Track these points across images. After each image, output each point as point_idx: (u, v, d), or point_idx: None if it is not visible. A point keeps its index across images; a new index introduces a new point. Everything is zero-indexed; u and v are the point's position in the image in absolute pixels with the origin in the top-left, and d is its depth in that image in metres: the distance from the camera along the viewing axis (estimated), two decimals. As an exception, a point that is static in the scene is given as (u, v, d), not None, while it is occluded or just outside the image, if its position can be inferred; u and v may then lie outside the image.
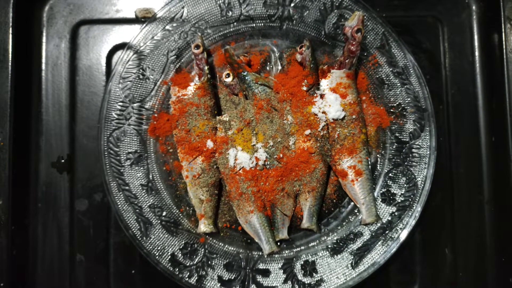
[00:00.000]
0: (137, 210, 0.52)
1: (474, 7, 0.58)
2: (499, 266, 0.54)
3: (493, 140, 0.56)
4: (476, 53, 0.57)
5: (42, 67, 0.56)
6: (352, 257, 0.52)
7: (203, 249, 0.52)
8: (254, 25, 0.55)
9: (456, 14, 0.58)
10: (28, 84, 0.55)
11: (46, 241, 0.54)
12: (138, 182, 0.52)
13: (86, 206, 0.54)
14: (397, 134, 0.54)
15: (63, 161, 0.55)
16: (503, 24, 0.54)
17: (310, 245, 0.53)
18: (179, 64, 0.54)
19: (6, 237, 0.50)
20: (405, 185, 0.53)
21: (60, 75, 0.56)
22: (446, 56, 0.57)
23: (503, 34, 0.53)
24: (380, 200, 0.53)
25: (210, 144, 0.51)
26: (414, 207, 0.52)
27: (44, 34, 0.56)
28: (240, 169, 0.50)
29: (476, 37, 0.58)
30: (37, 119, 0.55)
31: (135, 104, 0.53)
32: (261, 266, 0.52)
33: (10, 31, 0.52)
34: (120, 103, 0.52)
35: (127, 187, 0.52)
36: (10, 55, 0.52)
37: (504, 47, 0.53)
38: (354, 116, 0.52)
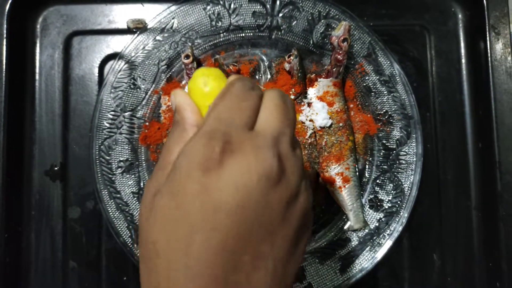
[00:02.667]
0: (128, 218, 0.52)
1: (460, 16, 0.59)
2: (487, 271, 0.55)
3: (480, 147, 0.56)
4: (463, 61, 0.58)
5: (36, 77, 0.57)
6: (340, 263, 0.52)
7: (193, 256, 0.53)
8: (243, 34, 0.56)
9: (442, 23, 0.59)
10: (22, 93, 0.56)
11: (39, 249, 0.55)
12: (129, 190, 0.53)
13: (78, 214, 0.55)
14: (384, 141, 0.54)
15: (56, 169, 0.56)
16: (488, 33, 0.55)
17: (299, 251, 0.53)
18: (170, 73, 0.55)
19: None
20: (392, 191, 0.53)
21: (53, 85, 0.57)
22: (433, 64, 0.58)
23: (488, 42, 0.54)
24: (368, 206, 0.54)
25: (199, 152, 0.52)
26: (401, 213, 0.53)
27: (38, 44, 0.57)
28: (229, 177, 0.51)
29: (462, 45, 0.58)
30: (30, 128, 0.56)
31: (126, 113, 0.54)
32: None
33: (4, 42, 0.53)
34: (112, 112, 0.53)
35: (118, 195, 0.53)
36: (4, 65, 0.53)
37: (489, 55, 0.54)
38: (341, 124, 0.53)
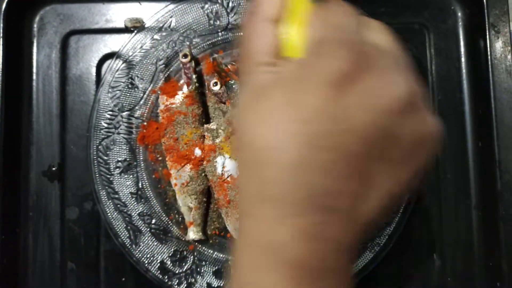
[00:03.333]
0: (127, 218, 0.52)
1: (459, 14, 0.58)
2: (487, 270, 0.54)
3: (480, 145, 0.56)
4: (462, 59, 0.58)
5: (32, 76, 0.56)
6: (340, 263, 0.52)
7: (192, 257, 0.52)
8: (241, 33, 0.55)
9: (442, 21, 0.58)
10: (19, 93, 0.56)
11: (37, 250, 0.54)
12: (127, 190, 0.53)
13: (76, 215, 0.55)
14: (384, 141, 0.54)
15: (53, 169, 0.55)
16: (487, 31, 0.54)
17: (298, 251, 0.53)
18: (168, 73, 0.54)
19: (-3, 246, 0.51)
20: (392, 191, 0.53)
21: (50, 85, 0.56)
22: (432, 62, 0.58)
23: (488, 40, 0.54)
24: (368, 206, 0.53)
25: (198, 152, 0.51)
26: (401, 213, 0.52)
27: (35, 44, 0.57)
28: (228, 177, 0.51)
29: (462, 43, 0.58)
30: (27, 128, 0.56)
31: (124, 113, 0.53)
32: (250, 272, 0.52)
33: (1, 42, 0.53)
34: (110, 112, 0.53)
35: (116, 196, 0.52)
36: (0, 65, 0.52)
37: (489, 53, 0.54)
38: (340, 123, 0.52)
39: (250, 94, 0.24)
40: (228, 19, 0.55)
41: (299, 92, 0.22)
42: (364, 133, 0.22)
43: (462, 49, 0.58)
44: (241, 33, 0.27)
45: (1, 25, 0.53)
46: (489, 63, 0.54)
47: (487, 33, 0.54)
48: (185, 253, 0.52)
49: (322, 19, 0.24)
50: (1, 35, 0.53)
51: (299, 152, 0.21)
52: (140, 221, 0.52)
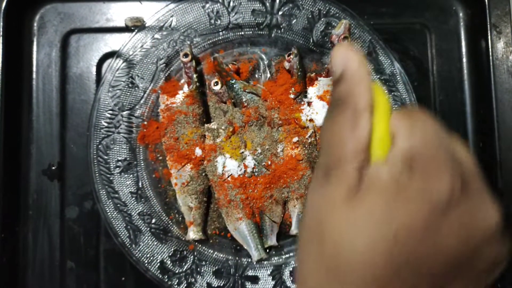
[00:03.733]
0: (127, 218, 0.52)
1: (461, 14, 0.58)
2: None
3: (481, 146, 0.56)
4: (464, 60, 0.58)
5: (33, 75, 0.56)
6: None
7: (192, 256, 0.52)
8: (242, 33, 0.55)
9: (443, 21, 0.58)
10: (19, 92, 0.56)
11: (37, 248, 0.54)
12: (127, 189, 0.53)
13: (76, 214, 0.55)
14: (384, 141, 0.54)
15: (53, 168, 0.55)
16: (489, 31, 0.54)
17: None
18: (169, 72, 0.54)
19: (-3, 244, 0.51)
20: (393, 191, 0.53)
21: (50, 84, 0.56)
22: (434, 62, 0.58)
23: (490, 41, 0.54)
24: (368, 206, 0.53)
25: (198, 151, 0.51)
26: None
27: (35, 43, 0.57)
28: (228, 177, 0.51)
29: (463, 43, 0.58)
30: (28, 128, 0.55)
31: (124, 112, 0.53)
32: (250, 273, 0.52)
33: (1, 40, 0.53)
34: (110, 111, 0.53)
35: (116, 195, 0.52)
36: (1, 64, 0.52)
37: (490, 53, 0.54)
38: (341, 123, 0.52)
39: (338, 193, 0.22)
40: (229, 18, 0.54)
41: (397, 209, 0.21)
42: (450, 258, 0.21)
43: (464, 50, 0.58)
44: (326, 122, 0.24)
45: (1, 23, 0.53)
46: (491, 63, 0.54)
47: (489, 34, 0.54)
48: (185, 252, 0.52)
49: (409, 126, 0.22)
50: (1, 34, 0.53)
51: (385, 270, 0.21)
52: (140, 221, 0.52)
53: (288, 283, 0.52)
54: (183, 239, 0.52)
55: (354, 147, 0.22)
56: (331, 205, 0.22)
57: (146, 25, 0.54)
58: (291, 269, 0.52)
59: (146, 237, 0.52)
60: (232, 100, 0.54)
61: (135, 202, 0.52)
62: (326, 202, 0.22)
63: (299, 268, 0.24)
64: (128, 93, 0.53)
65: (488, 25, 0.54)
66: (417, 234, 0.21)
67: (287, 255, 0.53)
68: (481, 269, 0.23)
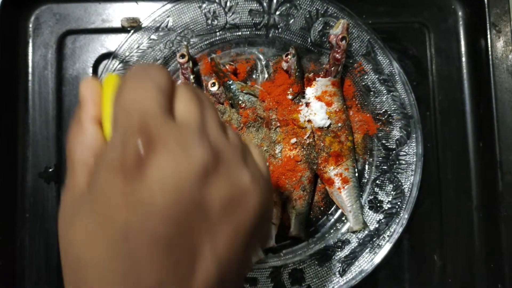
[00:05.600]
0: (124, 220, 0.51)
1: (460, 13, 0.58)
2: (488, 272, 0.54)
3: (481, 146, 0.56)
4: (463, 59, 0.57)
5: (28, 77, 0.56)
6: (340, 265, 0.51)
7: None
8: (240, 33, 0.55)
9: (442, 20, 0.58)
10: (15, 94, 0.55)
11: (34, 251, 0.54)
12: (124, 192, 0.52)
13: (73, 216, 0.54)
14: (383, 141, 0.54)
15: (50, 171, 0.55)
16: (488, 30, 0.54)
17: (297, 253, 0.53)
18: (165, 73, 0.54)
19: (-7, 248, 0.50)
20: (392, 192, 0.53)
21: (47, 86, 0.56)
22: (433, 62, 0.57)
23: (489, 40, 0.54)
24: (368, 207, 0.53)
25: (195, 153, 0.51)
26: (401, 214, 0.52)
27: (30, 44, 0.56)
28: (226, 178, 0.50)
29: (462, 43, 0.58)
30: (24, 130, 0.55)
31: (121, 114, 0.53)
32: (249, 275, 0.52)
33: (-4, 42, 0.52)
34: (106, 113, 0.52)
35: (113, 197, 0.52)
36: (-4, 66, 0.52)
37: (490, 53, 0.53)
38: (340, 124, 0.52)
39: (64, 200, 0.25)
40: (226, 18, 0.54)
41: (93, 193, 0.23)
42: (166, 213, 0.21)
43: (463, 49, 0.57)
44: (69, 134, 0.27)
45: (-4, 25, 0.52)
46: (490, 62, 0.53)
47: (488, 33, 0.54)
48: (183, 255, 0.52)
49: (120, 104, 0.24)
50: (-4, 35, 0.52)
51: (107, 250, 0.22)
52: (138, 223, 0.52)
53: (287, 284, 0.51)
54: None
55: (80, 152, 0.25)
56: (66, 210, 0.25)
57: (143, 25, 0.53)
58: (290, 270, 0.52)
59: (144, 240, 0.51)
60: (230, 101, 0.53)
61: (133, 205, 0.52)
62: (62, 221, 0.25)
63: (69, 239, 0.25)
64: (125, 95, 0.53)
65: (488, 24, 0.53)
66: (118, 205, 0.22)
67: (286, 257, 0.52)
68: (217, 211, 0.23)
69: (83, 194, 0.24)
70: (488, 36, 0.53)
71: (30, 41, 0.56)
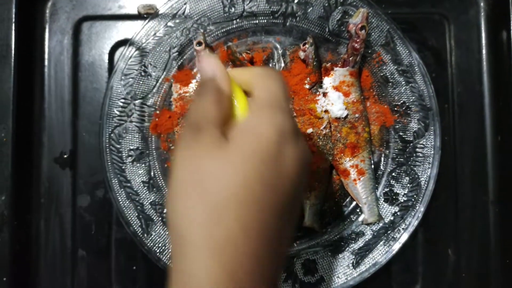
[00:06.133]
0: (139, 207, 0.52)
1: (482, 4, 0.57)
2: (503, 267, 0.53)
3: (499, 140, 0.55)
4: (483, 51, 0.56)
5: (44, 63, 0.56)
6: (354, 257, 0.51)
7: (203, 247, 0.52)
8: (257, 21, 0.54)
9: (463, 11, 0.57)
10: (31, 80, 0.55)
11: (49, 236, 0.54)
12: (139, 179, 0.52)
13: (88, 202, 0.55)
14: (401, 133, 0.53)
15: (65, 156, 0.55)
16: (511, 22, 0.52)
17: (311, 244, 0.52)
18: (181, 61, 0.53)
19: (9, 232, 0.51)
20: (408, 185, 0.52)
21: (62, 71, 0.56)
22: (452, 53, 0.56)
23: (511, 31, 0.52)
24: (383, 199, 0.52)
25: (211, 141, 0.50)
26: (417, 207, 0.51)
27: (47, 30, 0.56)
28: (241, 167, 0.50)
29: (483, 34, 0.56)
30: (39, 115, 0.55)
31: (137, 101, 0.53)
32: (262, 264, 0.52)
33: (13, 27, 0.52)
34: (122, 100, 0.52)
35: (128, 184, 0.52)
36: (12, 51, 0.52)
37: (511, 45, 0.52)
38: (357, 115, 0.51)
39: (211, 142, 0.28)
40: (244, 6, 0.53)
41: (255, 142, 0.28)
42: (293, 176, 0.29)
43: (484, 41, 0.56)
44: (198, 97, 0.31)
45: (13, 10, 0.52)
46: (511, 55, 0.52)
47: (511, 24, 0.52)
48: (196, 243, 0.52)
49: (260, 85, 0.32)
50: (13, 20, 0.52)
51: (262, 189, 0.27)
52: (152, 210, 0.52)
53: (300, 275, 0.51)
54: (195, 229, 0.52)
55: (219, 113, 0.29)
56: (206, 151, 0.27)
57: (159, 12, 0.53)
58: (302, 261, 0.52)
59: (158, 227, 0.51)
60: (246, 90, 0.53)
61: (147, 192, 0.52)
62: (200, 151, 0.27)
63: (173, 216, 0.28)
64: (141, 82, 0.53)
65: (511, 15, 0.52)
66: (271, 160, 0.27)
67: (299, 247, 0.52)
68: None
69: (227, 143, 0.28)
70: (511, 28, 0.52)
71: (47, 26, 0.56)
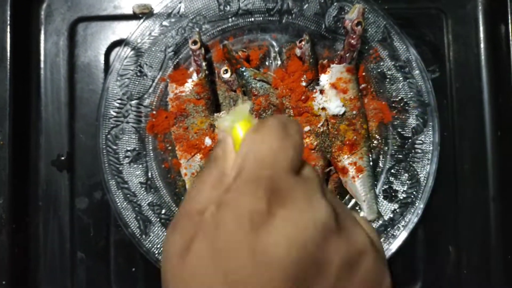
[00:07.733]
0: (136, 208, 0.51)
1: (479, -2, 0.56)
2: (504, 264, 0.53)
3: (499, 135, 0.54)
4: (481, 46, 0.56)
5: (40, 65, 0.56)
6: (353, 255, 0.51)
7: (202, 247, 0.52)
8: (252, 19, 0.54)
9: (460, 6, 0.56)
10: (27, 82, 0.55)
11: (47, 239, 0.54)
12: (137, 180, 0.52)
13: (86, 204, 0.54)
14: (399, 130, 0.52)
15: (62, 159, 0.55)
16: (509, 15, 0.52)
17: (310, 242, 0.52)
18: (177, 60, 0.53)
19: (7, 235, 0.51)
20: (408, 181, 0.52)
21: (58, 73, 0.56)
22: (450, 48, 0.56)
23: (510, 25, 0.52)
24: (382, 197, 0.52)
25: (208, 141, 0.50)
26: (417, 204, 0.51)
27: (42, 31, 0.56)
28: (239, 167, 0.50)
29: (481, 29, 0.56)
30: (36, 118, 0.55)
31: (133, 102, 0.52)
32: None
33: (8, 29, 0.52)
34: (118, 101, 0.52)
35: (126, 185, 0.52)
36: (8, 54, 0.52)
37: (510, 38, 0.52)
38: (354, 112, 0.51)
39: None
40: (239, 4, 0.53)
41: (217, 238, 0.23)
42: (288, 267, 0.21)
43: (482, 35, 0.56)
44: (203, 172, 0.27)
45: (8, 12, 0.52)
46: (511, 49, 0.52)
47: (509, 18, 0.52)
48: (195, 243, 0.52)
49: (252, 155, 0.24)
50: (9, 22, 0.52)
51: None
52: (150, 211, 0.52)
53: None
54: (193, 229, 0.52)
55: (215, 198, 0.24)
56: (177, 252, 0.24)
57: (154, 12, 0.52)
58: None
59: (156, 228, 0.51)
60: (242, 89, 0.53)
61: (145, 193, 0.52)
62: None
63: None
64: (137, 82, 0.52)
65: (509, 9, 0.52)
66: (240, 255, 0.22)
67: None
68: (336, 270, 0.23)
69: (203, 220, 0.24)
70: (509, 21, 0.52)
71: (42, 28, 0.56)
